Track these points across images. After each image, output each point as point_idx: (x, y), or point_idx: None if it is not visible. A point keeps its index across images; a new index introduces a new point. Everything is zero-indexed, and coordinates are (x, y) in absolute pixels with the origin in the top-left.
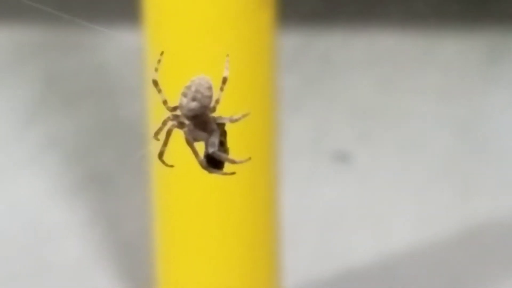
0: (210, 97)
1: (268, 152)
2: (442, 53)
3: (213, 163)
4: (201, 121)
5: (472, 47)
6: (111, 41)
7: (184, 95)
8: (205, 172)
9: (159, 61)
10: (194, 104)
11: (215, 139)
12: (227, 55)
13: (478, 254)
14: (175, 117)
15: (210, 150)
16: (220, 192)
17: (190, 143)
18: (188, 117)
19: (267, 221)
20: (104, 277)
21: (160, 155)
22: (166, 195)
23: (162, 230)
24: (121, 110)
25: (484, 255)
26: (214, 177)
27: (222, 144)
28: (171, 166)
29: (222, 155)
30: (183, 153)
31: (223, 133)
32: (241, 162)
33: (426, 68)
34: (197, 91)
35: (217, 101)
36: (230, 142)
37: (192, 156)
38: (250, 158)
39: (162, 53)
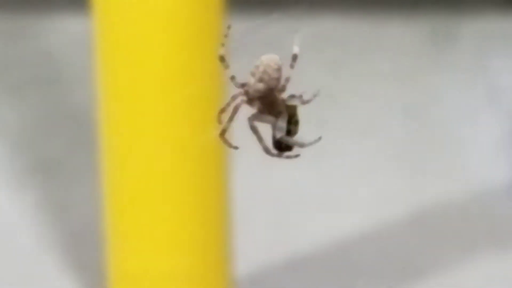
0: (278, 79)
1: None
2: (387, 37)
3: (281, 147)
4: (268, 102)
5: (416, 30)
6: (57, 29)
7: (252, 74)
8: (155, 158)
9: (225, 35)
10: (260, 85)
11: (282, 123)
12: (297, 31)
13: (429, 236)
14: (246, 92)
15: (278, 135)
16: (170, 178)
17: (255, 129)
18: (255, 98)
19: (219, 207)
20: (53, 264)
21: (223, 132)
22: (115, 182)
23: (112, 217)
24: (68, 98)
25: (434, 237)
26: (163, 163)
27: (296, 124)
28: (235, 147)
29: (290, 140)
30: (132, 139)
31: (294, 114)
32: (310, 144)
33: (372, 52)
34: (264, 72)
35: (287, 80)
36: (182, 126)
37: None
38: (320, 138)
39: (229, 27)
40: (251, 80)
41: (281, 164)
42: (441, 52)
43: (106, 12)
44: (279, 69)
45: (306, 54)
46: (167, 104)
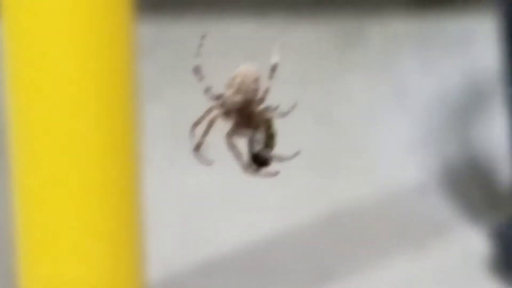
0: (256, 90)
1: (130, 141)
2: (292, 38)
3: (258, 161)
4: (245, 114)
5: (327, 32)
6: None
7: (229, 86)
8: (64, 163)
9: (200, 45)
10: (238, 97)
11: (260, 136)
12: (277, 41)
13: (342, 237)
14: (221, 106)
15: (256, 149)
16: (80, 183)
17: (232, 146)
18: (232, 110)
19: (130, 211)
20: None
21: (197, 147)
22: (25, 188)
23: (22, 223)
24: None
25: (348, 239)
26: (73, 168)
27: (272, 137)
28: (210, 163)
29: (269, 154)
30: (41, 144)
31: (270, 126)
32: (289, 159)
33: (282, 55)
34: (242, 83)
35: (266, 91)
36: (91, 131)
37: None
38: (299, 152)
39: (203, 37)
40: (227, 92)
41: (193, 166)
42: (348, 54)
43: (15, 16)
44: (257, 80)
45: (210, 58)
46: (76, 110)
